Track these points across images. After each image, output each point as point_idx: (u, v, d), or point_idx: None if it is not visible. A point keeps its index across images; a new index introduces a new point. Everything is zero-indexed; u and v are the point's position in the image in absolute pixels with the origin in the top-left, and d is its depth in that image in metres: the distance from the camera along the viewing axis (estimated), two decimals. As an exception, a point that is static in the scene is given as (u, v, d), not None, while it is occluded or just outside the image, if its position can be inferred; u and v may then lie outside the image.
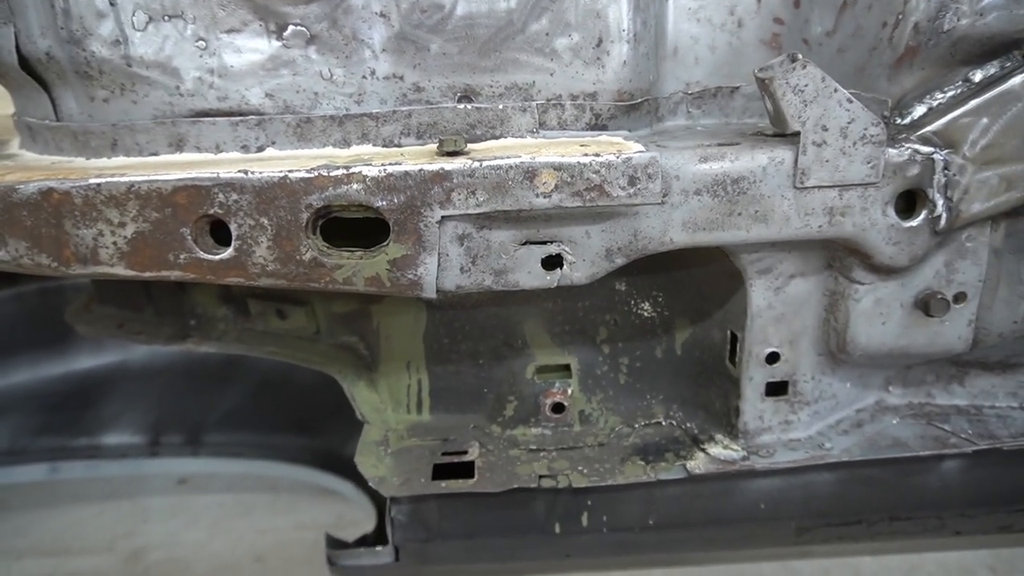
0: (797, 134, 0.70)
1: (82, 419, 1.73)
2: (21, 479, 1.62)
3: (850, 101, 0.69)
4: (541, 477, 0.89)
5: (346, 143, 0.77)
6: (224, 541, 1.62)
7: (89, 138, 0.78)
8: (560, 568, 1.15)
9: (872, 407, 0.94)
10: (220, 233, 0.71)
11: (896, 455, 0.89)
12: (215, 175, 0.67)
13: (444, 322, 0.96)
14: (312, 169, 0.67)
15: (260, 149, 0.77)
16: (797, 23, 0.82)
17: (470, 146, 0.75)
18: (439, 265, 0.71)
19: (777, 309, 0.84)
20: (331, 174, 0.67)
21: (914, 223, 0.75)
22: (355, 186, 0.68)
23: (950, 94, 0.74)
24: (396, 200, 0.68)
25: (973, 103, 0.71)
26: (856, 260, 0.79)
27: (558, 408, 0.96)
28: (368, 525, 1.05)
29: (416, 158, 0.70)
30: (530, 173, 0.68)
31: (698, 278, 0.92)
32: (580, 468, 0.91)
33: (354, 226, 0.72)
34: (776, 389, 0.89)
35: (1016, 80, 0.71)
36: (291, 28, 0.73)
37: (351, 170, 0.67)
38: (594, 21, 0.75)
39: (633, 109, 0.80)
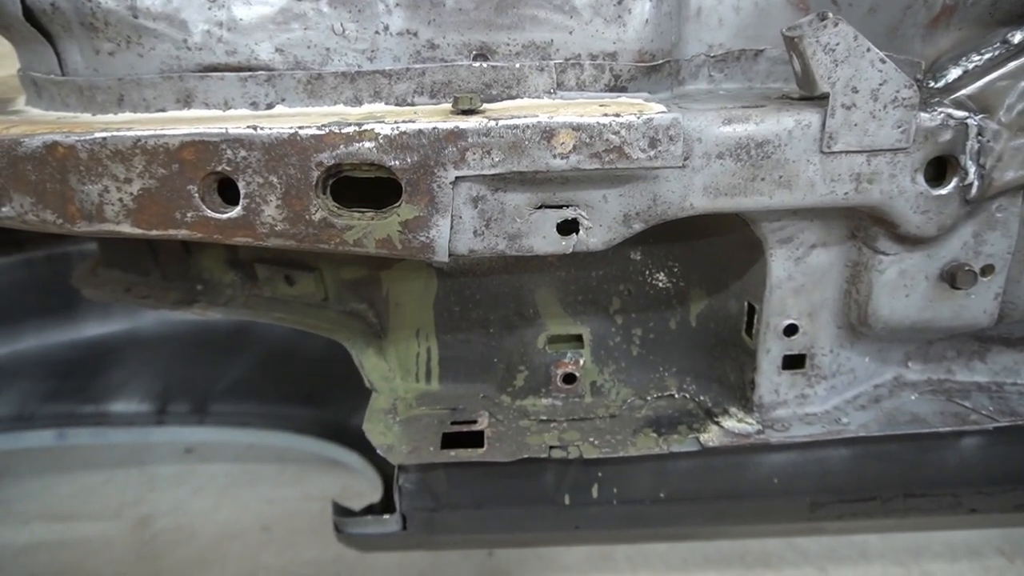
0: (826, 96, 0.68)
1: (89, 386, 1.73)
2: (29, 444, 1.63)
3: (883, 61, 0.66)
4: (551, 448, 0.87)
5: (358, 101, 0.75)
6: (231, 510, 1.63)
7: (95, 93, 0.76)
8: (569, 540, 1.15)
9: (891, 383, 0.92)
10: (228, 191, 0.69)
11: (914, 431, 0.87)
12: (223, 131, 0.66)
13: (455, 290, 0.94)
14: (323, 126, 0.65)
15: (270, 106, 0.75)
16: (826, -17, 0.79)
17: (485, 106, 0.72)
18: (452, 228, 0.70)
19: (797, 280, 0.82)
20: (343, 131, 0.65)
21: (944, 191, 0.72)
22: (367, 144, 0.66)
23: (987, 56, 0.71)
24: (409, 159, 0.66)
25: (1011, 65, 0.68)
26: (881, 229, 0.76)
27: (569, 379, 0.95)
28: (374, 497, 1.05)
29: (430, 116, 0.68)
30: (548, 133, 0.66)
31: (716, 248, 0.89)
32: (591, 439, 0.89)
33: (366, 189, 0.70)
34: (793, 362, 0.87)
35: (1057, 42, 0.68)
36: (302, -20, 0.71)
37: (363, 128, 0.65)
38: (616, -24, 0.72)
39: (654, 71, 0.77)
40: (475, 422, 0.92)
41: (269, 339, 1.76)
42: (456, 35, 0.74)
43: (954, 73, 0.72)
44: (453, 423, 0.91)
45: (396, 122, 0.65)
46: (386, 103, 0.75)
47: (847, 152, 0.70)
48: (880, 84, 0.67)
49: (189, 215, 0.69)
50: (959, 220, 0.75)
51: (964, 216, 0.75)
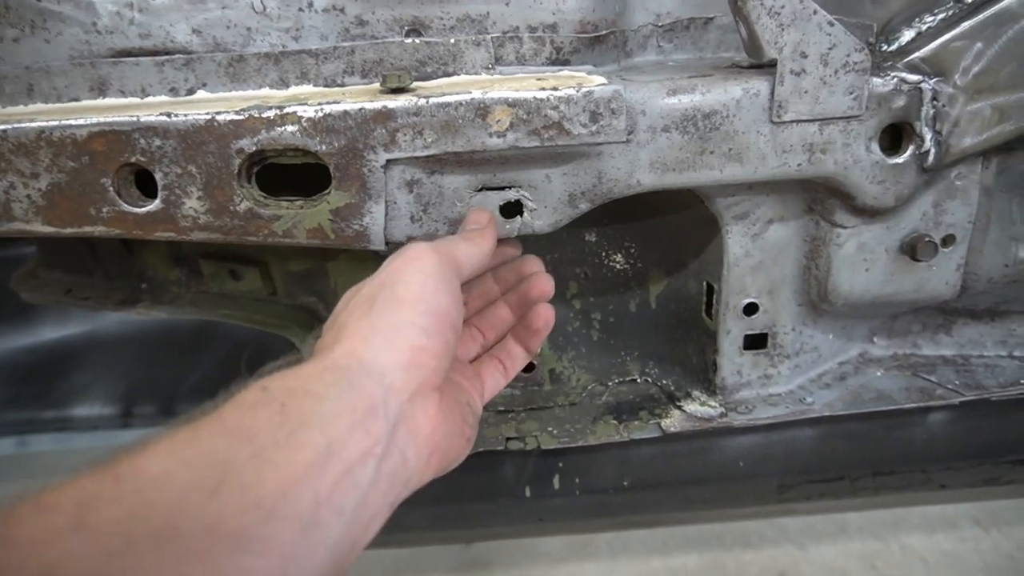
0: (774, 63, 0.64)
1: (51, 391, 1.68)
2: (-12, 453, 1.58)
3: (831, 24, 0.63)
4: (508, 439, 0.84)
5: (284, 83, 0.70)
6: (200, 511, 1.59)
7: (3, 83, 0.71)
8: (532, 532, 1.12)
9: (856, 359, 0.90)
10: (146, 184, 0.65)
11: (880, 408, 0.85)
12: (134, 119, 0.61)
13: (405, 279, 0.90)
14: (242, 111, 0.61)
15: (190, 91, 0.70)
16: (775, -55, 0.75)
17: (419, 84, 0.68)
18: (387, 214, 0.66)
19: (755, 257, 0.79)
20: (263, 115, 0.61)
21: (900, 160, 0.69)
22: (290, 128, 0.61)
23: (940, 16, 0.68)
24: (336, 143, 0.62)
25: (966, 25, 0.65)
26: (838, 202, 0.73)
27: (527, 367, 0.91)
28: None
29: (357, 97, 0.64)
30: (482, 110, 0.62)
31: (672, 226, 0.86)
32: (550, 429, 0.86)
33: (303, 178, 0.66)
34: (755, 342, 0.84)
35: (1012, -1, 0.65)
36: (216, -46, 0.66)
37: (285, 111, 0.61)
38: (552, -58, 0.68)
39: (598, 42, 0.74)
40: (431, 415, 0.88)
41: (234, 335, 1.72)
42: (386, 10, 0.70)
43: (907, 35, 0.69)
44: (408, 417, 0.88)
45: (320, 104, 0.61)
46: (314, 84, 0.71)
47: (798, 121, 0.66)
48: (829, 48, 0.64)
49: (105, 210, 0.64)
50: (917, 189, 0.72)
51: (922, 185, 0.73)
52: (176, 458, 0.36)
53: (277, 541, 0.35)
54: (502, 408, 0.90)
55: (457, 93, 0.62)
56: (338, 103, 0.61)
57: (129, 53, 0.69)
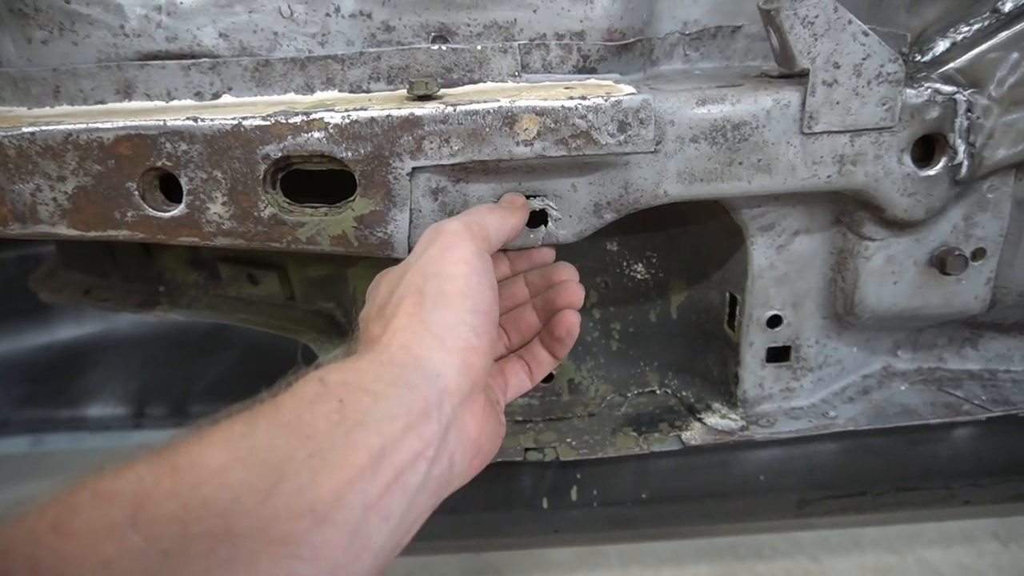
0: (806, 73, 0.63)
1: (65, 390, 1.68)
2: (4, 451, 1.58)
3: (865, 34, 0.62)
4: (527, 450, 0.84)
5: (309, 89, 0.70)
6: (211, 513, 1.59)
7: (30, 85, 0.71)
8: (549, 543, 1.11)
9: (879, 373, 0.89)
10: (171, 188, 0.65)
11: (904, 423, 0.84)
12: (161, 123, 0.61)
13: (425, 286, 0.90)
14: (268, 116, 0.61)
15: (215, 96, 0.70)
16: (806, -47, 0.74)
17: (445, 91, 0.68)
18: (411, 222, 0.65)
19: (780, 269, 0.78)
20: (289, 121, 0.61)
21: (932, 172, 0.68)
22: (316, 134, 0.61)
23: (976, 26, 0.67)
24: (362, 150, 0.62)
25: (1002, 36, 0.64)
26: (867, 214, 0.72)
27: (546, 377, 0.91)
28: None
29: (384, 104, 0.63)
30: (509, 118, 0.61)
31: (695, 237, 0.85)
32: (569, 440, 0.86)
33: (327, 185, 0.66)
34: (778, 355, 0.83)
35: (1049, 11, 0.64)
36: (244, -41, 0.66)
37: (311, 117, 0.61)
38: (581, -51, 0.68)
39: (625, 50, 0.73)
40: (449, 423, 0.88)
41: (246, 338, 1.72)
42: (413, 16, 0.70)
43: (941, 45, 0.68)
44: (425, 425, 0.87)
45: (347, 110, 0.61)
46: (339, 90, 0.70)
47: (829, 132, 0.65)
48: (863, 59, 0.63)
49: (129, 214, 0.64)
50: (948, 202, 0.71)
51: (954, 198, 0.71)
52: (233, 453, 0.35)
53: (327, 548, 0.35)
54: (520, 418, 0.89)
55: (485, 101, 0.61)
56: (365, 110, 0.61)
57: (156, 56, 0.69)
